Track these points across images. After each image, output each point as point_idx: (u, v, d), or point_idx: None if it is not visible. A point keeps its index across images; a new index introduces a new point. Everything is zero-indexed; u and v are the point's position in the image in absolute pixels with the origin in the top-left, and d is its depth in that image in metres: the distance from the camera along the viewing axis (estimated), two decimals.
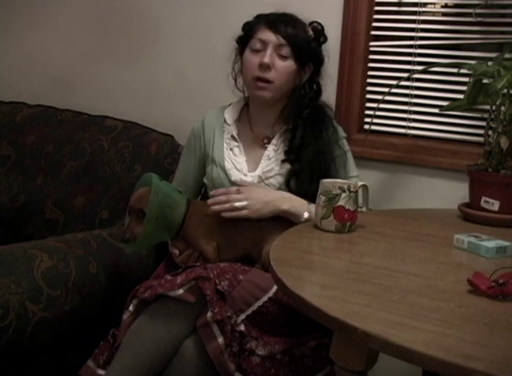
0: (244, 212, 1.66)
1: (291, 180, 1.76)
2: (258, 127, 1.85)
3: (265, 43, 1.75)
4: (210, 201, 1.69)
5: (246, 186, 1.74)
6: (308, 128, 1.79)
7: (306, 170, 1.74)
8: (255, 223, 1.67)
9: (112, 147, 2.23)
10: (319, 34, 1.83)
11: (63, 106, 2.48)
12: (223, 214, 1.66)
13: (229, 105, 1.90)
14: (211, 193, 1.74)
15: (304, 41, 1.78)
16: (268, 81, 1.75)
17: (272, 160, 1.80)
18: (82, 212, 2.18)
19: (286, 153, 1.78)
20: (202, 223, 1.70)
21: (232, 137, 1.85)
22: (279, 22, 1.77)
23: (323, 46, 1.85)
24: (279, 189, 1.77)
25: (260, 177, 1.78)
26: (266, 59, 1.73)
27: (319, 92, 1.85)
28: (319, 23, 1.84)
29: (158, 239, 1.75)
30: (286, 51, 1.75)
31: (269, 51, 1.74)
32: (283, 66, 1.75)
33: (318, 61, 1.83)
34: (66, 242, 1.77)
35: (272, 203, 1.67)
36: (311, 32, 1.81)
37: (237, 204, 1.66)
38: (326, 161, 1.77)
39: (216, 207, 1.67)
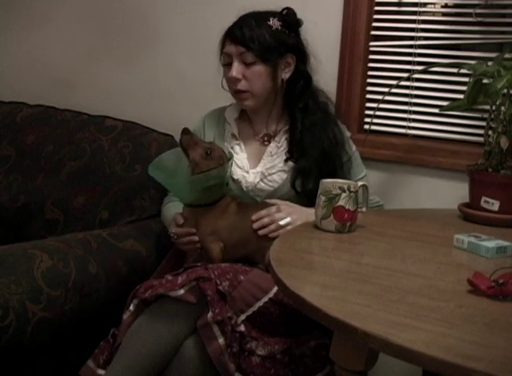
0: (289, 228, 1.61)
1: (297, 178, 1.75)
2: (258, 125, 1.85)
3: (229, 56, 1.75)
4: (255, 225, 1.65)
5: (278, 202, 1.69)
6: (307, 121, 1.77)
7: (313, 170, 1.73)
8: None
9: (112, 147, 2.22)
10: (290, 21, 1.77)
11: (63, 106, 2.48)
12: (270, 235, 1.62)
13: (230, 105, 1.90)
14: (253, 217, 1.67)
15: (267, 38, 1.73)
16: (244, 92, 1.75)
17: (274, 156, 1.80)
18: (82, 212, 2.18)
19: (288, 151, 1.78)
20: (218, 220, 1.69)
21: (233, 135, 1.85)
22: (236, 30, 1.74)
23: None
24: (282, 185, 1.77)
25: (262, 173, 1.78)
26: (233, 73, 1.73)
27: (307, 80, 1.81)
28: (289, 9, 1.78)
29: (180, 192, 1.75)
30: (249, 57, 1.72)
31: (235, 63, 1.74)
32: (251, 73, 1.73)
33: (295, 49, 1.78)
34: (66, 242, 1.77)
35: (313, 215, 1.53)
36: (277, 23, 1.75)
37: (282, 222, 1.63)
38: (335, 164, 1.76)
39: (264, 231, 1.64)
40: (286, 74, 1.78)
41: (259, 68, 1.73)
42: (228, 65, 1.76)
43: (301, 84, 1.80)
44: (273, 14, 1.77)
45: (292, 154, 1.77)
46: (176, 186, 1.73)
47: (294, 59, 1.78)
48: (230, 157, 1.71)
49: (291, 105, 1.80)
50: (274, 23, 1.74)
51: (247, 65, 1.73)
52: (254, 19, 1.75)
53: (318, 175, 1.67)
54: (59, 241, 1.77)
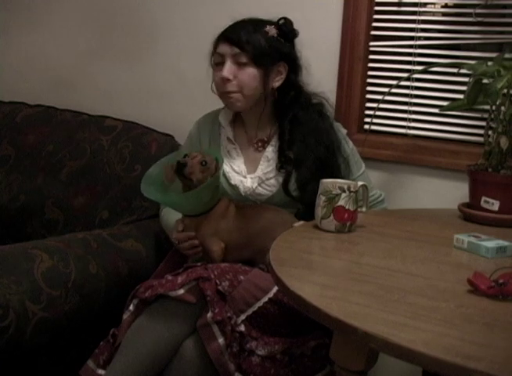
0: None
1: (290, 184, 1.74)
2: (252, 129, 1.84)
3: (222, 56, 1.73)
4: None
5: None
6: (298, 132, 1.76)
7: (310, 178, 1.71)
8: (267, 232, 1.65)
9: (112, 147, 2.23)
10: (286, 30, 1.76)
11: (63, 106, 2.48)
12: None
13: (223, 108, 1.88)
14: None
15: (262, 43, 1.71)
16: (233, 92, 1.73)
17: (271, 161, 1.79)
18: (82, 212, 2.18)
19: (279, 161, 1.76)
20: (219, 222, 1.69)
21: (229, 139, 1.84)
22: (233, 31, 1.73)
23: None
24: (280, 189, 1.76)
25: (260, 178, 1.78)
26: (224, 73, 1.71)
27: (298, 91, 1.79)
28: (286, 19, 1.77)
29: (177, 206, 1.74)
30: (243, 58, 1.70)
31: (227, 63, 1.72)
32: (243, 74, 1.71)
33: (289, 59, 1.77)
34: (66, 242, 1.77)
35: None
36: (273, 31, 1.74)
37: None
38: (332, 168, 1.74)
39: None
40: (276, 83, 1.76)
41: (252, 70, 1.72)
42: (218, 65, 1.75)
43: (292, 95, 1.78)
44: (270, 22, 1.76)
45: (282, 165, 1.76)
46: (173, 201, 1.73)
47: (286, 68, 1.76)
48: (220, 161, 1.69)
49: (280, 114, 1.79)
50: (270, 30, 1.74)
51: (240, 66, 1.71)
52: (250, 24, 1.74)
53: (316, 181, 1.65)
54: (59, 241, 1.77)
